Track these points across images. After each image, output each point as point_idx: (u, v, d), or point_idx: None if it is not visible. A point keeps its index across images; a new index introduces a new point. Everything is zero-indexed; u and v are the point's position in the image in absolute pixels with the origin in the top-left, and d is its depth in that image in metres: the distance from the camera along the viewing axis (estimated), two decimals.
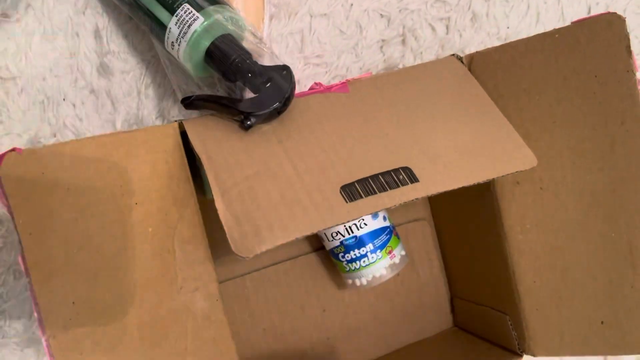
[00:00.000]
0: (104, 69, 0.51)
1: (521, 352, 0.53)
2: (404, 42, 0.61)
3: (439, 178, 0.39)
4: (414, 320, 0.61)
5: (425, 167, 0.40)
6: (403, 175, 0.39)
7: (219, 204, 0.36)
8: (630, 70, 0.42)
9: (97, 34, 0.51)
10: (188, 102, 0.43)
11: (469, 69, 0.50)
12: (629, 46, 0.42)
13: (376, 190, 0.38)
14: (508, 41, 0.50)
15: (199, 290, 0.40)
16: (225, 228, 0.35)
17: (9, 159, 0.33)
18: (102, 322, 0.36)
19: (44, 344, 0.34)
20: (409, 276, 0.61)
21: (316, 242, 0.58)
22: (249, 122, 0.39)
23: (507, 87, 0.48)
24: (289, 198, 0.37)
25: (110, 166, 0.37)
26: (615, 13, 0.42)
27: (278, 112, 0.40)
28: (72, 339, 0.35)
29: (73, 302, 0.35)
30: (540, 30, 0.66)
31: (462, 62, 0.50)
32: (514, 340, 0.53)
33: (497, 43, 0.60)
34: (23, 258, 0.34)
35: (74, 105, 0.51)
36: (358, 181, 0.38)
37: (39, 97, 0.50)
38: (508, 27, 0.65)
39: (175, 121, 0.41)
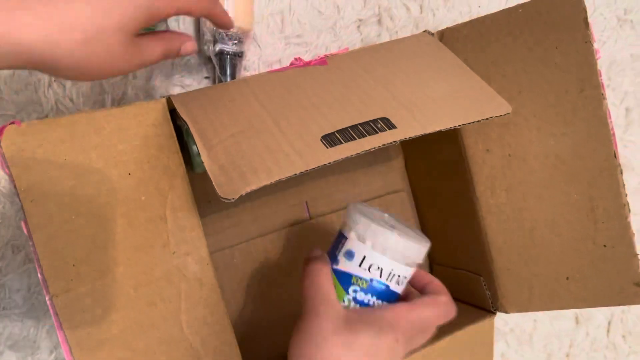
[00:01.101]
0: None
1: (494, 310, 0.56)
2: (379, 21, 0.64)
3: (416, 124, 0.41)
4: None
5: (402, 116, 0.42)
6: (381, 124, 0.41)
7: (204, 158, 0.38)
8: (588, 41, 0.45)
9: None
10: None
11: None
12: (586, 18, 0.45)
13: (355, 137, 0.40)
14: None
15: (190, 254, 0.43)
16: (211, 176, 0.37)
17: (10, 131, 0.36)
18: (101, 283, 0.39)
19: (48, 303, 0.36)
20: None
21: (299, 214, 0.61)
22: None
23: (476, 59, 0.51)
24: (273, 148, 0.39)
25: (104, 139, 0.40)
26: None
27: None
28: (73, 298, 0.37)
29: (73, 264, 0.37)
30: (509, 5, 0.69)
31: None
32: (488, 300, 0.56)
33: None
34: (26, 223, 0.36)
35: (64, 87, 0.53)
36: (338, 131, 0.40)
37: (30, 79, 0.52)
38: (479, 6, 0.68)
39: (163, 97, 0.43)
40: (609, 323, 0.77)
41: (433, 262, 0.66)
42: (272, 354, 0.58)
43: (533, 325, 0.74)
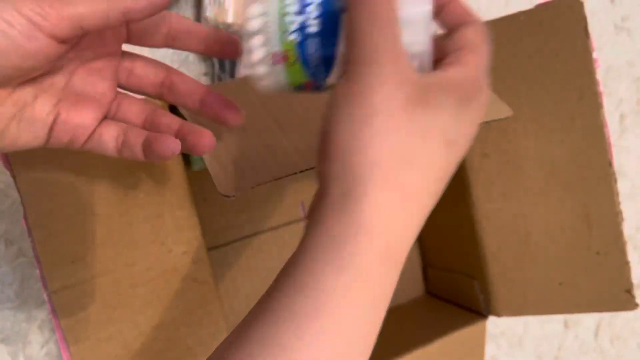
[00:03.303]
0: None
1: (487, 313, 0.57)
2: None
3: None
4: None
5: None
6: None
7: (205, 155, 0.38)
8: (588, 50, 0.46)
9: None
10: None
11: None
12: (586, 27, 0.45)
13: None
14: None
15: (187, 253, 0.43)
16: (211, 173, 0.36)
17: None
18: (99, 281, 0.39)
19: (46, 299, 0.36)
20: None
21: (295, 214, 0.61)
22: None
23: None
24: (273, 147, 0.38)
25: None
26: None
27: None
28: (71, 295, 0.37)
29: (72, 261, 0.37)
30: (509, 12, 0.69)
31: None
32: (481, 303, 0.57)
33: None
34: (26, 219, 0.36)
35: None
36: None
37: None
38: (479, 12, 0.69)
39: None
40: (597, 327, 0.78)
41: (427, 264, 0.66)
42: None
43: (523, 328, 0.74)
